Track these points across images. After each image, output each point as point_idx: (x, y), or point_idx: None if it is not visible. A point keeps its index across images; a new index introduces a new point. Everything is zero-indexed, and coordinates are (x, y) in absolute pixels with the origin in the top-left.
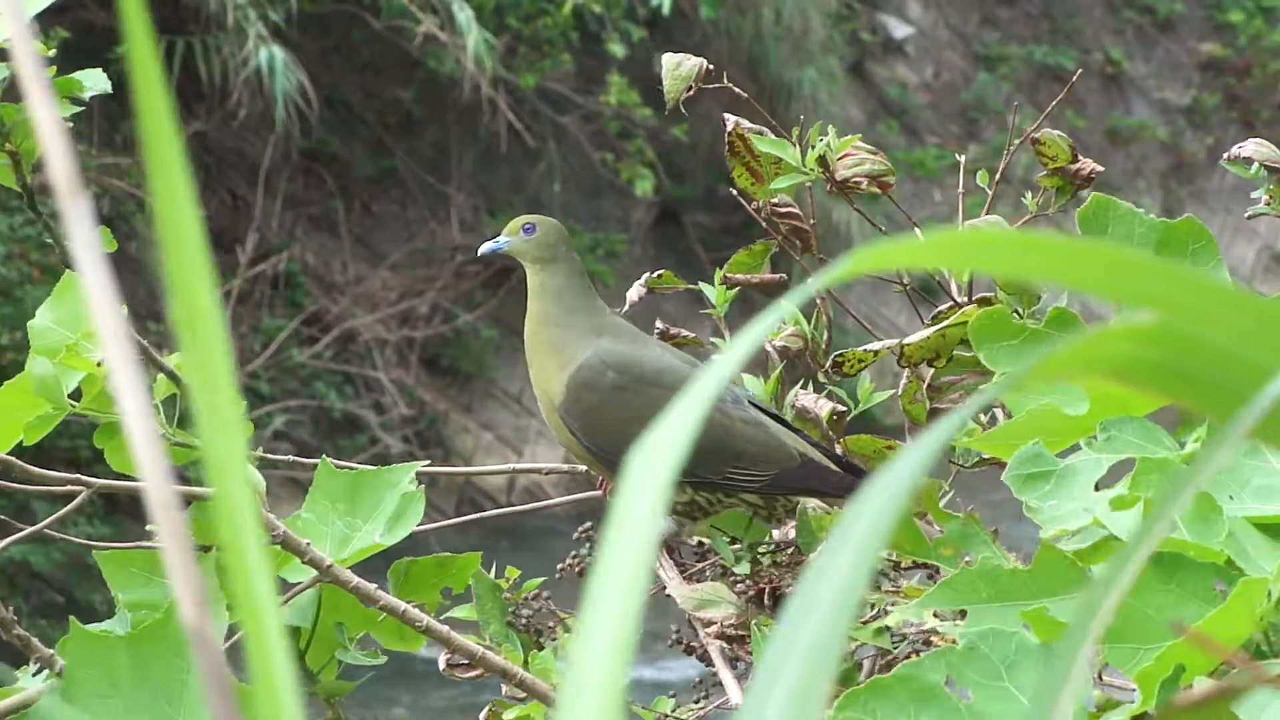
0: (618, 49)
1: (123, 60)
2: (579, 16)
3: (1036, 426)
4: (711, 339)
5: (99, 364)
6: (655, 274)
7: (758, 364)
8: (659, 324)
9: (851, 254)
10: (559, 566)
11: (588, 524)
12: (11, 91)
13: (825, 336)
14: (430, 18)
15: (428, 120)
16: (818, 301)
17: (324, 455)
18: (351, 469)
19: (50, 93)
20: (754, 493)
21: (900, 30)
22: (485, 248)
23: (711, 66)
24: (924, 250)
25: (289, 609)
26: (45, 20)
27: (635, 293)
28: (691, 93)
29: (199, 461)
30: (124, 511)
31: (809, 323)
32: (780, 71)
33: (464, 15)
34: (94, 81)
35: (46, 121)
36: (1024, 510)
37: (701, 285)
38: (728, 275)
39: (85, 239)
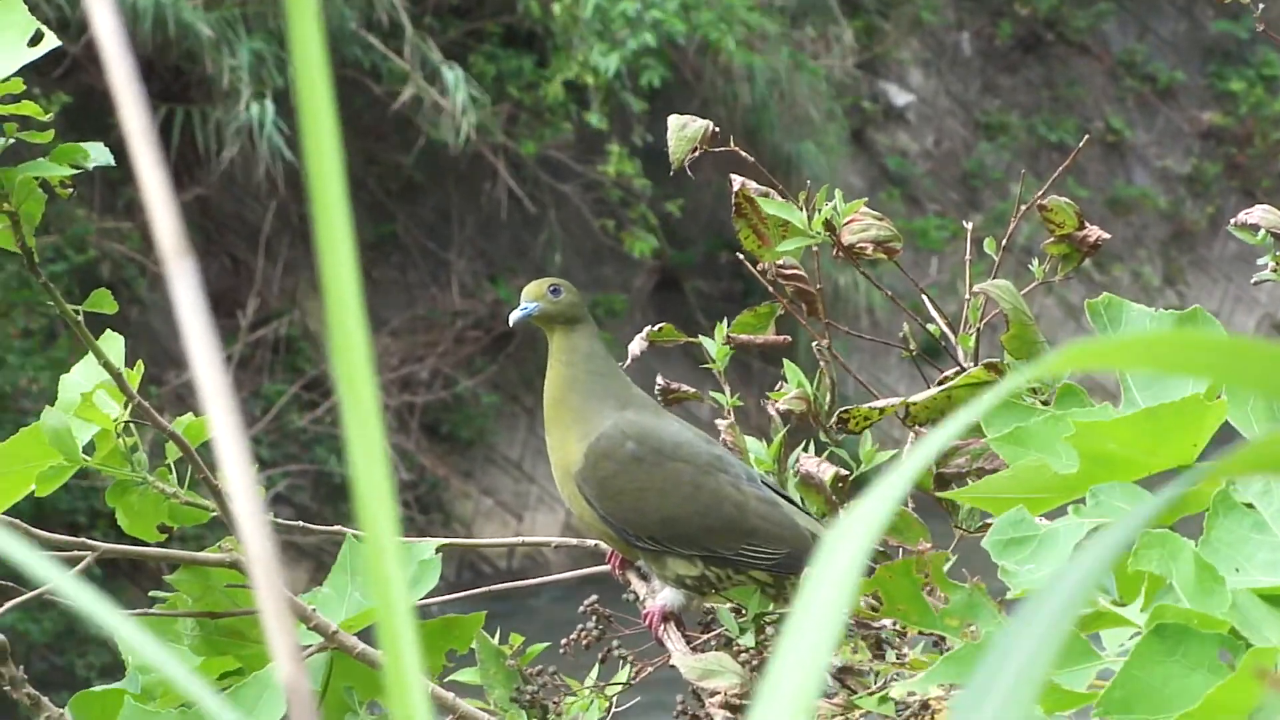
0: (595, 118)
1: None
2: (577, 88)
3: (1026, 483)
4: (711, 393)
5: (115, 419)
6: (656, 327)
7: (760, 427)
8: (660, 379)
9: (1067, 348)
10: (564, 641)
11: (593, 597)
12: (14, 154)
13: (828, 399)
14: (422, 80)
15: (429, 186)
16: (821, 364)
17: (337, 524)
18: None
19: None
20: (765, 570)
21: (901, 98)
22: (515, 315)
23: (717, 129)
24: (1137, 350)
25: None
26: (46, 84)
27: (637, 346)
28: (697, 154)
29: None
30: (123, 575)
31: (812, 385)
32: (780, 142)
33: (452, 75)
34: (98, 153)
35: (152, 186)
36: (999, 574)
37: (701, 339)
38: (731, 335)
39: (190, 301)
